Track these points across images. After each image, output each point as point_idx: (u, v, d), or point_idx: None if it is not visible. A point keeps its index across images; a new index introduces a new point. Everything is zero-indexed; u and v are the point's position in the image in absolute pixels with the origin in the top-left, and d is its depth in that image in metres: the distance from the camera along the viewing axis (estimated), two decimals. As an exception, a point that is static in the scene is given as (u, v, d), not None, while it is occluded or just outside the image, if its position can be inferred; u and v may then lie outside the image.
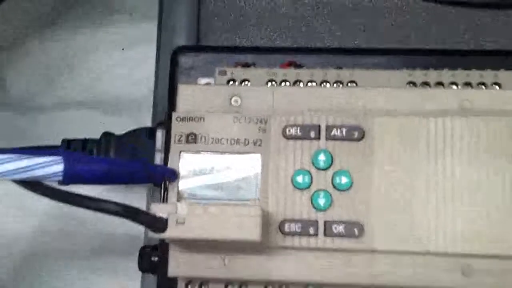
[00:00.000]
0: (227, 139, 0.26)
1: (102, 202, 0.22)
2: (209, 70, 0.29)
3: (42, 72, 0.38)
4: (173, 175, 0.25)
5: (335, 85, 0.27)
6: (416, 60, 0.29)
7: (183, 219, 0.23)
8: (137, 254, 0.29)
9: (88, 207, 0.22)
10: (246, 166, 0.25)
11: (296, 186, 0.25)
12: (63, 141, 0.31)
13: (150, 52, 0.37)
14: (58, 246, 0.35)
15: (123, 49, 0.38)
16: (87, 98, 0.38)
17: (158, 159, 0.29)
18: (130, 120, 0.34)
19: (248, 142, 0.25)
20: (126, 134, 0.31)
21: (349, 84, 0.27)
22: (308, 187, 0.25)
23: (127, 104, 0.37)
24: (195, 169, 0.26)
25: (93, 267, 0.35)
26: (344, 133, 0.25)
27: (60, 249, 0.35)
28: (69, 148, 0.31)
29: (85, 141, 0.31)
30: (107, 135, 0.31)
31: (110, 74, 0.38)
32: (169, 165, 0.26)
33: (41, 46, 0.39)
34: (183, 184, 0.26)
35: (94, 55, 0.38)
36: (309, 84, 0.28)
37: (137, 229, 0.30)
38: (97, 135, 0.31)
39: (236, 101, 0.26)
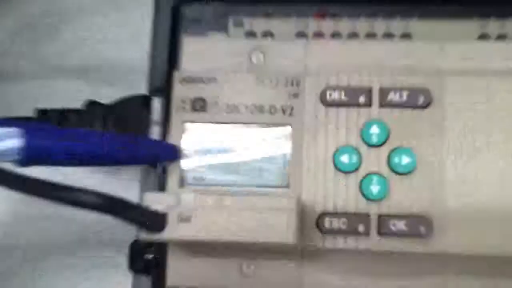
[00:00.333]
0: (247, 106, 0.22)
1: (77, 192, 0.18)
2: (220, 24, 0.26)
3: (20, 33, 0.36)
4: (174, 153, 0.22)
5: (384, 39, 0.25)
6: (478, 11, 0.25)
7: (188, 213, 0.20)
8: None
9: (58, 199, 0.18)
10: (272, 141, 0.22)
11: (340, 169, 0.22)
12: (37, 111, 0.28)
13: (142, 10, 0.33)
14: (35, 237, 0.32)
15: (112, 8, 0.35)
16: (71, 63, 0.35)
17: (155, 133, 0.26)
18: (120, 88, 0.30)
19: (275, 110, 0.22)
20: (115, 103, 0.28)
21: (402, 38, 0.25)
22: (356, 169, 0.22)
23: (117, 70, 0.34)
24: (203, 146, 0.23)
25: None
26: (404, 98, 0.22)
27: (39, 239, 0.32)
28: (45, 120, 0.28)
29: (64, 112, 0.28)
30: (92, 104, 0.28)
31: (97, 37, 0.35)
32: (168, 140, 0.23)
33: (20, 3, 0.36)
34: (187, 165, 0.22)
35: (79, 15, 0.35)
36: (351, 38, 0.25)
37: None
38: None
39: (258, 58, 0.23)
